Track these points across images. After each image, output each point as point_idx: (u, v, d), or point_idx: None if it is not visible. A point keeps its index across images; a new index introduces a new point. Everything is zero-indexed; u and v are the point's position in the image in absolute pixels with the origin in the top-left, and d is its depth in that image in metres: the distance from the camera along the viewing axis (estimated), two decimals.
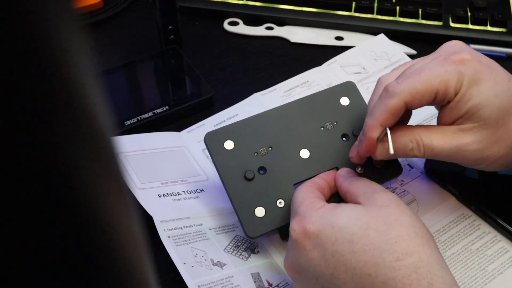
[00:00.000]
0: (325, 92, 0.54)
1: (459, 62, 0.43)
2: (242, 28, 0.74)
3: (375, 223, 0.39)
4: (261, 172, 0.50)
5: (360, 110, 0.53)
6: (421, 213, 0.53)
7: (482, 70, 0.44)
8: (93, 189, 0.18)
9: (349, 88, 0.54)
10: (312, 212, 0.42)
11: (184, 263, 0.48)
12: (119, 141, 0.56)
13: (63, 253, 0.17)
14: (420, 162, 0.57)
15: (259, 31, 0.74)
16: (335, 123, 0.52)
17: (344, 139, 0.52)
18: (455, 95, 0.43)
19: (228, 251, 0.51)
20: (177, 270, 0.47)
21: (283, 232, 0.49)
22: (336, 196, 0.48)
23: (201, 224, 0.52)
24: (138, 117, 0.61)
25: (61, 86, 0.17)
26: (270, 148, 0.50)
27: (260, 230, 0.48)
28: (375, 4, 0.74)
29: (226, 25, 0.74)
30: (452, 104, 0.44)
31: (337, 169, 0.50)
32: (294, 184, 0.50)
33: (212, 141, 0.50)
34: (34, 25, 0.15)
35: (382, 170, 0.50)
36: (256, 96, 0.64)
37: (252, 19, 0.75)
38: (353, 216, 0.40)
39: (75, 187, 0.17)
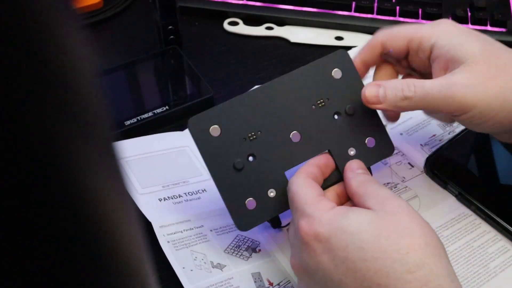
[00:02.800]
0: (315, 65, 0.49)
1: (436, 23, 0.49)
2: (242, 28, 0.74)
3: (386, 231, 0.39)
4: (250, 159, 0.47)
5: (353, 83, 0.49)
6: (423, 209, 0.53)
7: (457, 28, 0.48)
8: (93, 190, 0.18)
9: (341, 58, 0.50)
10: (322, 213, 0.41)
11: (183, 268, 0.48)
12: (120, 145, 0.56)
13: (63, 254, 0.17)
14: (420, 162, 0.57)
15: (259, 31, 0.74)
16: (327, 99, 0.49)
17: (336, 116, 0.49)
18: (431, 48, 0.48)
19: (228, 252, 0.51)
20: (176, 274, 0.48)
21: (274, 221, 0.49)
22: (329, 180, 0.47)
23: (202, 226, 0.52)
24: (138, 117, 0.61)
25: (60, 87, 0.16)
26: (259, 132, 0.47)
27: (252, 223, 0.47)
28: (375, 4, 0.74)
29: (226, 25, 0.74)
30: (436, 52, 0.47)
31: (330, 151, 0.48)
32: (286, 172, 0.48)
33: (197, 127, 0.46)
34: (34, 25, 0.15)
35: (374, 150, 0.49)
36: None
37: (252, 19, 0.75)
38: (364, 222, 0.39)
39: (74, 188, 0.17)
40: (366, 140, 0.49)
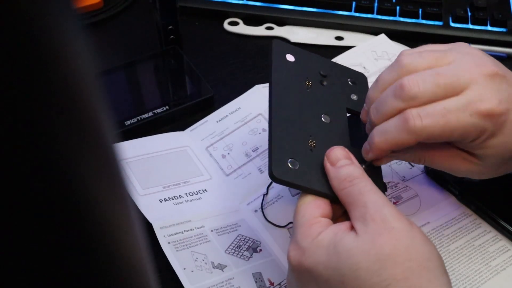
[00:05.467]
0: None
1: (488, 117, 0.41)
2: (242, 28, 0.74)
3: (366, 262, 0.37)
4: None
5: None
6: (423, 208, 0.53)
7: (505, 120, 0.42)
8: (93, 193, 0.18)
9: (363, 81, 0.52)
10: (307, 242, 0.39)
11: (184, 269, 0.48)
12: (121, 146, 0.56)
13: (63, 256, 0.17)
14: None
15: (259, 31, 0.74)
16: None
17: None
18: (469, 142, 0.43)
19: (229, 252, 0.50)
20: (177, 275, 0.48)
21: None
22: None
23: (203, 226, 0.52)
24: (138, 117, 0.61)
25: (61, 87, 0.16)
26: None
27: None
28: (375, 4, 0.74)
29: (226, 25, 0.74)
30: (463, 145, 0.44)
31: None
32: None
33: (279, 48, 0.49)
34: (34, 25, 0.15)
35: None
36: (258, 88, 0.64)
37: (252, 19, 0.75)
38: (344, 253, 0.37)
39: (73, 191, 0.17)
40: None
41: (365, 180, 0.41)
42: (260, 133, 0.60)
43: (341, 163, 0.42)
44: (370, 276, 0.36)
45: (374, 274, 0.36)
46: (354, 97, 0.50)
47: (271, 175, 0.42)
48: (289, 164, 0.42)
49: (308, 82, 0.49)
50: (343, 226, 0.40)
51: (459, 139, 0.42)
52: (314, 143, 0.45)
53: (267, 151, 0.54)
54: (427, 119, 0.40)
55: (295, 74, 0.48)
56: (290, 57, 0.49)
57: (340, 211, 0.43)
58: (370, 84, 0.52)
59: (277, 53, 0.49)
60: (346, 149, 0.43)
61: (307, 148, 0.44)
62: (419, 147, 0.44)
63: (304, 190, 0.42)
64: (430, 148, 0.45)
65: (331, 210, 0.42)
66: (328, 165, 0.42)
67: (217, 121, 0.61)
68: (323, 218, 0.41)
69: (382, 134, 0.42)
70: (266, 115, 0.61)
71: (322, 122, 0.47)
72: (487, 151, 0.43)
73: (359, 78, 0.53)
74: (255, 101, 0.62)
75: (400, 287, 0.36)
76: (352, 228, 0.39)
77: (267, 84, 0.64)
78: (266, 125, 0.60)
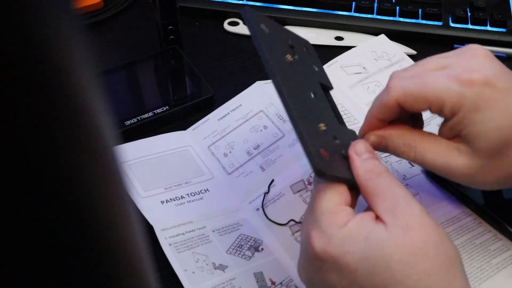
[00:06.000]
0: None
1: (466, 83, 0.41)
2: (242, 28, 0.74)
3: (398, 254, 0.36)
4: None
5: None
6: (424, 206, 0.53)
7: (492, 96, 0.41)
8: (92, 196, 0.18)
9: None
10: (335, 231, 0.38)
11: (185, 270, 0.48)
12: (121, 149, 0.56)
13: (64, 258, 0.17)
14: None
15: None
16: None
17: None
18: (453, 115, 0.42)
19: (230, 252, 0.50)
20: (178, 277, 0.48)
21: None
22: None
23: (204, 227, 0.52)
24: (138, 117, 0.61)
25: (60, 87, 0.16)
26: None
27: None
28: (375, 4, 0.74)
29: (226, 25, 0.74)
30: (451, 123, 0.43)
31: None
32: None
33: (252, 16, 0.42)
34: (34, 25, 0.15)
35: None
36: (259, 84, 0.64)
37: None
38: (376, 244, 0.37)
39: (74, 192, 0.17)
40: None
41: (391, 174, 0.41)
42: (261, 130, 0.60)
43: (366, 156, 0.42)
44: (402, 268, 0.36)
45: (406, 266, 0.36)
46: (316, 69, 0.47)
47: (318, 171, 0.38)
48: (321, 154, 0.39)
49: (288, 56, 0.44)
50: (369, 216, 0.39)
51: (437, 104, 0.42)
52: (324, 126, 0.42)
53: (268, 148, 0.53)
54: (405, 79, 0.43)
55: (277, 48, 0.43)
56: (264, 27, 0.43)
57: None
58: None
59: (254, 23, 0.42)
60: (368, 143, 0.44)
61: (323, 133, 0.41)
62: (409, 132, 0.45)
63: (337, 180, 0.40)
64: (420, 136, 0.45)
65: (351, 198, 0.41)
66: (354, 155, 0.42)
67: (218, 119, 0.61)
68: (347, 206, 0.40)
69: (372, 105, 0.46)
70: (267, 112, 0.61)
71: (314, 100, 0.43)
72: (474, 129, 0.41)
73: (308, 45, 0.49)
74: (256, 97, 0.62)
75: (431, 282, 0.36)
76: (377, 218, 0.38)
77: (268, 80, 0.64)
78: (267, 122, 0.60)
